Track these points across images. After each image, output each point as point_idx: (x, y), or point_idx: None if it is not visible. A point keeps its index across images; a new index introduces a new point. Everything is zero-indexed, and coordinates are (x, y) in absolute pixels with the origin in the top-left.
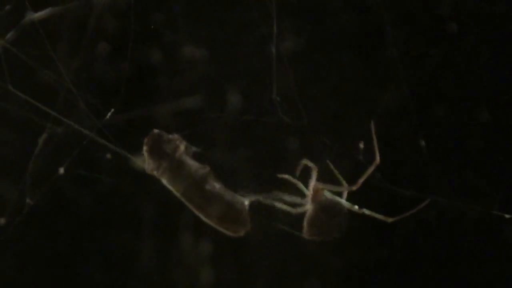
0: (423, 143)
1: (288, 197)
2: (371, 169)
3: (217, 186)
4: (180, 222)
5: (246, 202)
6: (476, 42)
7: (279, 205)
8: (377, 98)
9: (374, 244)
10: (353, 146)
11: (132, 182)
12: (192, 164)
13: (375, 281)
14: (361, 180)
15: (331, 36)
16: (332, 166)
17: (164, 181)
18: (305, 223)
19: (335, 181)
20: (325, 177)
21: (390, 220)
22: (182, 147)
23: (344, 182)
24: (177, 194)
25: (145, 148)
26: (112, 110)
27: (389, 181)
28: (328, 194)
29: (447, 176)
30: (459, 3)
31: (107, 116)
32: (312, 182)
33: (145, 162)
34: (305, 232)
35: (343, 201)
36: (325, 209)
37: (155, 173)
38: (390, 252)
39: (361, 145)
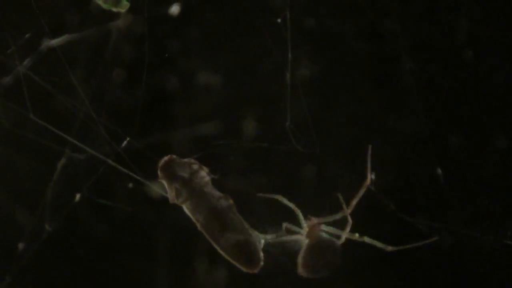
0: (439, 171)
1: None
2: (362, 191)
3: (237, 219)
4: (196, 249)
5: (262, 241)
6: (491, 69)
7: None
8: (393, 126)
9: (389, 272)
10: (365, 175)
11: (149, 209)
12: (215, 193)
13: None
14: (354, 202)
15: (346, 63)
16: (340, 197)
17: (186, 209)
18: (299, 260)
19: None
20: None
21: (389, 248)
22: (203, 174)
23: (344, 207)
24: (197, 224)
25: (159, 175)
26: (128, 139)
27: (405, 209)
28: (327, 228)
29: (462, 205)
30: (475, 30)
31: (123, 144)
32: (302, 221)
33: (166, 191)
34: (299, 269)
35: (341, 232)
36: (319, 247)
37: (176, 201)
38: (405, 280)
39: (373, 176)
